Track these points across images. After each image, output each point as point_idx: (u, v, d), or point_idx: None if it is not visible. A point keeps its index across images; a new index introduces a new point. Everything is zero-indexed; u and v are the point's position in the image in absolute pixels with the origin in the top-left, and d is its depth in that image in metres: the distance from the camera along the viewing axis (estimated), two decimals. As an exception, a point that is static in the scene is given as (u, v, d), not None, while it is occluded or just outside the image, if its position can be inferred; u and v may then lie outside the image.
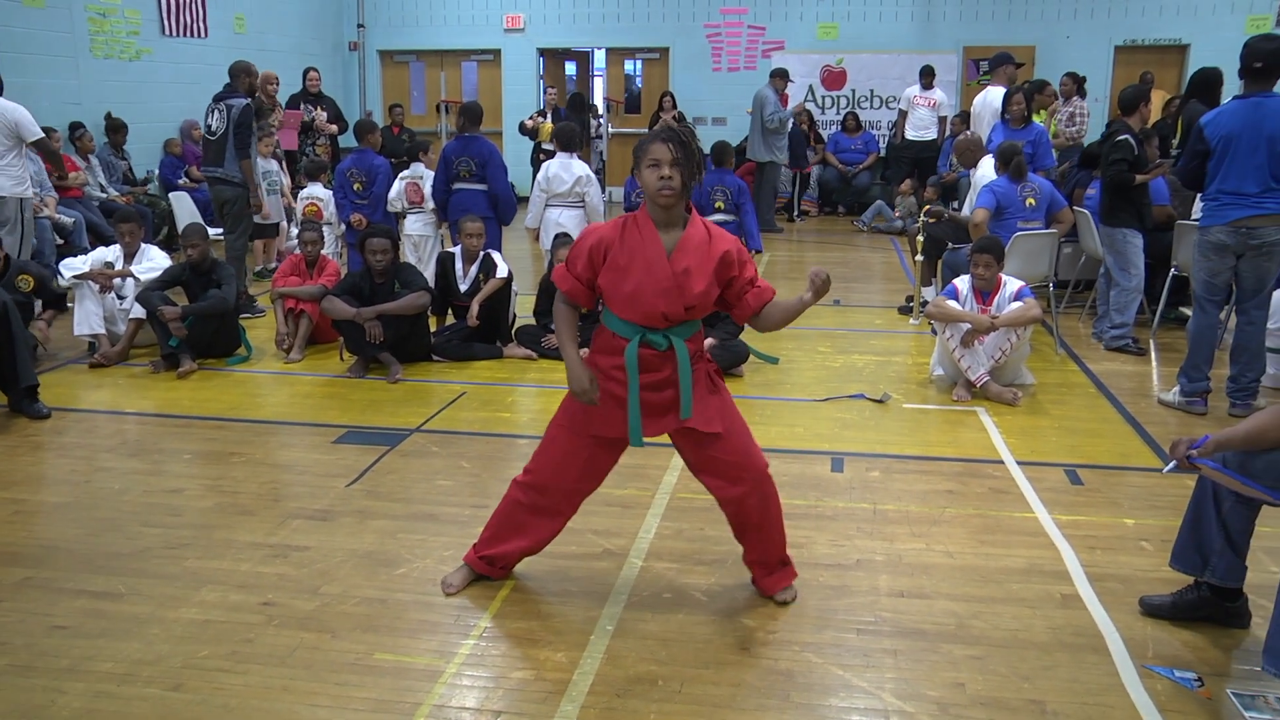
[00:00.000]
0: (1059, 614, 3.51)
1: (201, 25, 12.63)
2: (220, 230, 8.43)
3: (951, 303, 6.05)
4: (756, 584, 3.64)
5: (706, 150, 13.92)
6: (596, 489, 3.58)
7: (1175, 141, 9.31)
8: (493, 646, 3.30)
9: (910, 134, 13.36)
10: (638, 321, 3.24)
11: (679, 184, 3.08)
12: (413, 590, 3.66)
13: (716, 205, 7.93)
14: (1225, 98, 6.97)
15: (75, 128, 10.51)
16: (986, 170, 7.80)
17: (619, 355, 3.27)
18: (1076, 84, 11.16)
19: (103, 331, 6.86)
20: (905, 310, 8.31)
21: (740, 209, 8.08)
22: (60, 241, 9.25)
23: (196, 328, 6.61)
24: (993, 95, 9.25)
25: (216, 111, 8.15)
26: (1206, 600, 3.42)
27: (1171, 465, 3.25)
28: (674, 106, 14.36)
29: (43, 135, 8.03)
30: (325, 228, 8.67)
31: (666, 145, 3.07)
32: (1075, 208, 8.00)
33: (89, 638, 3.33)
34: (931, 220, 8.18)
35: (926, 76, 13.26)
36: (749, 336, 6.77)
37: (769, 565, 3.60)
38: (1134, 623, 3.46)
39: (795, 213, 14.32)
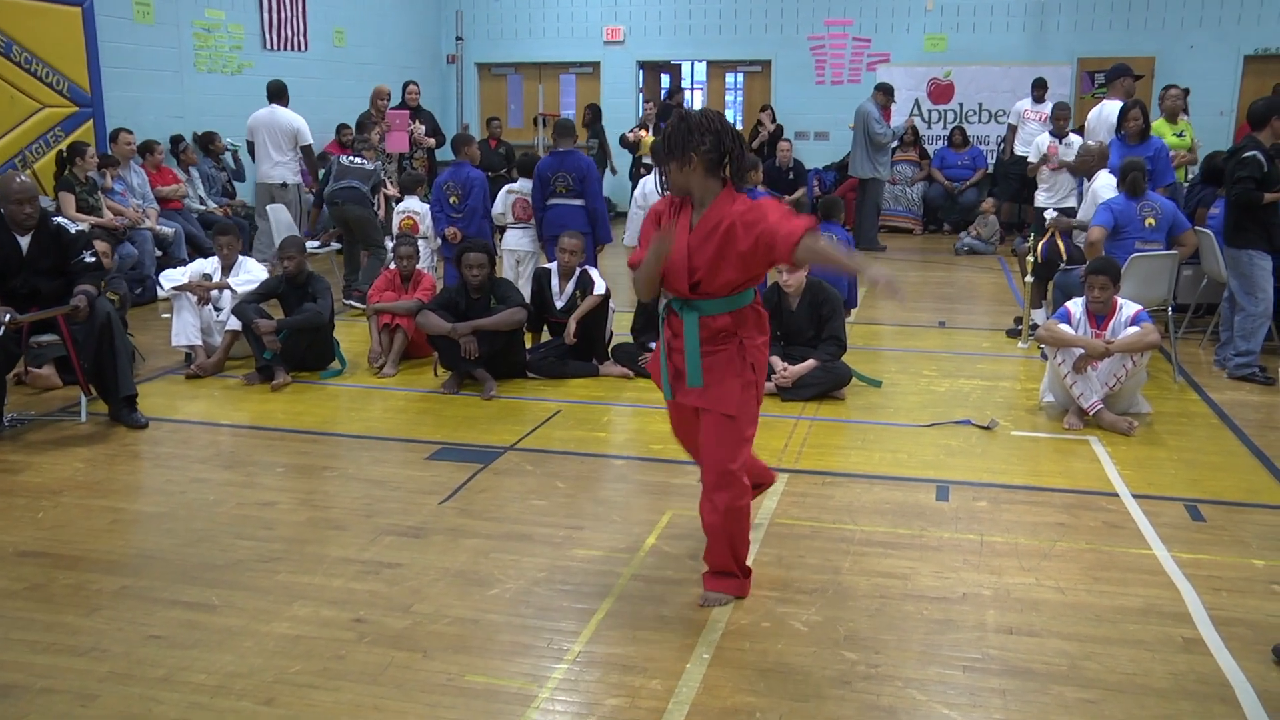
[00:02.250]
0: (1181, 659, 3.38)
1: (302, 39, 13.01)
2: (315, 243, 8.69)
3: (1064, 326, 5.90)
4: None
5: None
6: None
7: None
8: (586, 672, 3.31)
9: (1020, 149, 13.10)
10: (669, 290, 3.62)
11: (671, 178, 3.54)
12: (505, 611, 3.69)
13: None
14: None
15: (177, 141, 10.90)
16: (1104, 182, 7.59)
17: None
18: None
19: (199, 343, 7.08)
20: (1014, 333, 8.14)
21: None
22: (160, 253, 9.60)
23: (291, 341, 6.79)
24: (1108, 109, 9.03)
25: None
26: (1346, 650, 3.26)
27: None
28: (773, 120, 14.34)
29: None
30: (421, 242, 8.85)
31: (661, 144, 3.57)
32: (1197, 228, 7.76)
33: (184, 648, 3.43)
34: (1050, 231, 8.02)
35: (1038, 89, 13.00)
36: (851, 358, 6.70)
37: (713, 567, 3.77)
38: (1268, 673, 3.31)
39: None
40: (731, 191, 3.52)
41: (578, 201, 7.99)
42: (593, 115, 14.34)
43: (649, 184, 8.10)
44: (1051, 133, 9.75)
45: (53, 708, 3.11)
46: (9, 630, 3.57)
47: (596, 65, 16.23)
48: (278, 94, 10.65)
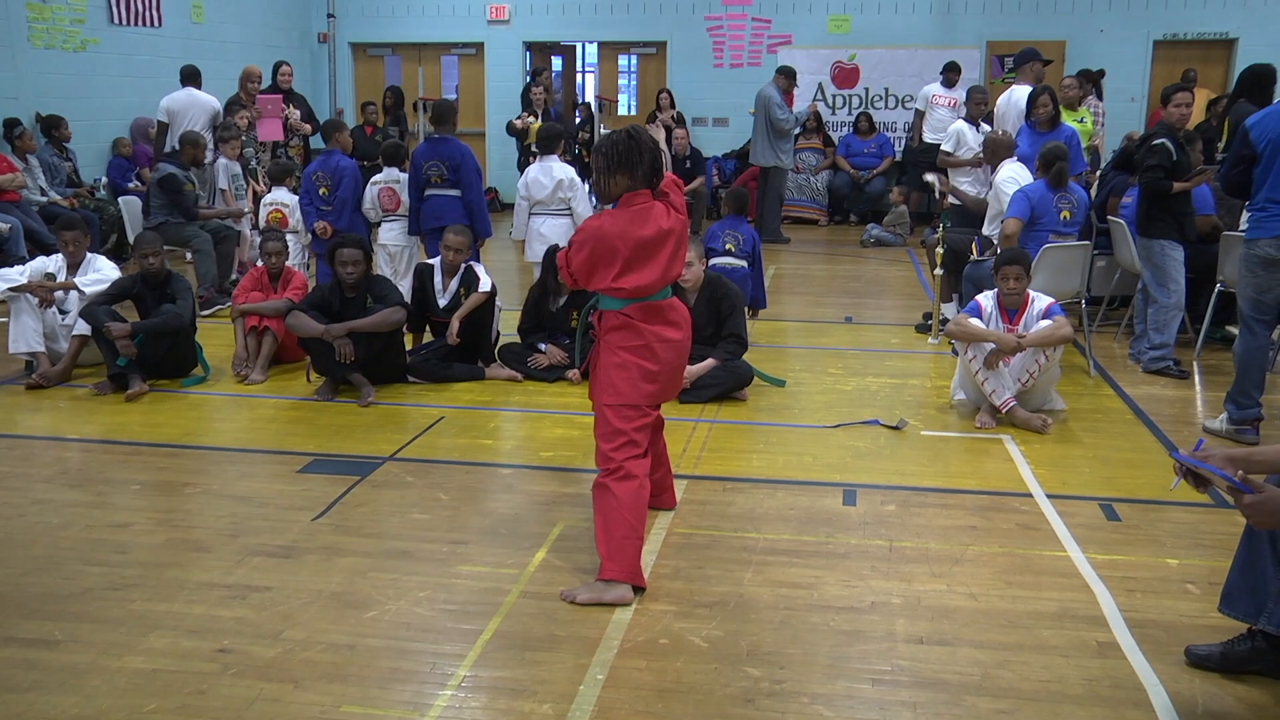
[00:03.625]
0: (1095, 664, 3.49)
1: (155, 13, 12.67)
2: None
3: (974, 320, 6.05)
4: None
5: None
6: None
7: (1221, 145, 9.36)
8: (472, 698, 3.28)
9: (929, 136, 13.37)
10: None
11: (596, 185, 3.99)
12: (384, 635, 3.63)
13: (727, 247, 7.79)
14: (1278, 97, 7.04)
15: (11, 125, 10.49)
16: (1008, 174, 7.80)
17: None
18: (1091, 83, 11.22)
19: (42, 349, 6.83)
20: (923, 329, 8.32)
21: (753, 264, 7.77)
22: (-5, 250, 9.25)
23: (147, 346, 6.59)
24: (1018, 95, 9.28)
25: None
26: (1261, 651, 3.39)
27: (1177, 481, 3.16)
28: (671, 105, 14.41)
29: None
30: (291, 237, 8.68)
31: (593, 155, 4.00)
32: (1110, 217, 8.03)
33: (18, 691, 3.28)
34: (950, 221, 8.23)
35: (949, 73, 13.27)
36: (753, 357, 6.77)
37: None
38: (1180, 675, 3.44)
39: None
40: (625, 199, 3.95)
41: (454, 192, 7.92)
42: (394, 100, 14.21)
43: (531, 172, 8.08)
44: (966, 119, 9.96)
45: None
46: None
47: (480, 46, 16.15)
48: (192, 76, 10.93)
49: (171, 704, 3.22)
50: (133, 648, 3.55)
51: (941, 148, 9.78)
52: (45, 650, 3.54)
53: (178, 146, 9.51)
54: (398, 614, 3.78)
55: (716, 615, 3.79)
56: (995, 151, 8.22)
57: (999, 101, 10.05)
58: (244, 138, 10.42)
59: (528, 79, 14.66)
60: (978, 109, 10.04)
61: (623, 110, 16.51)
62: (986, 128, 9.53)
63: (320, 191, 8.39)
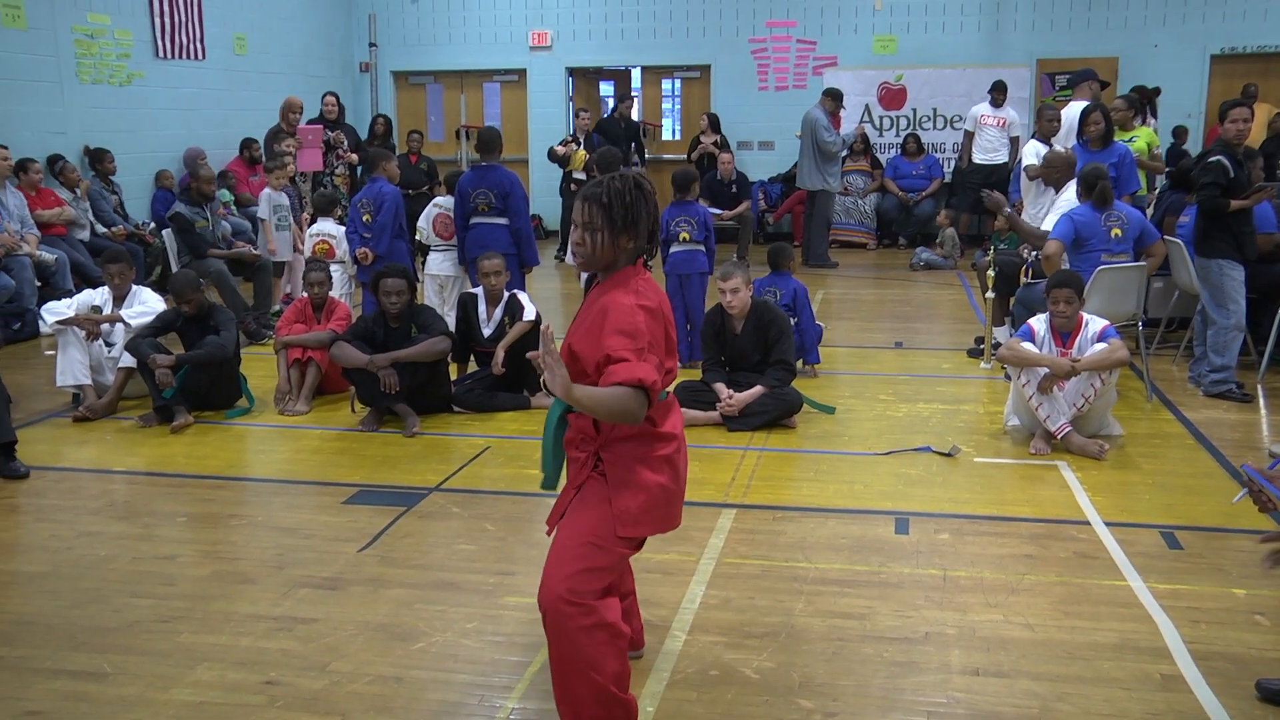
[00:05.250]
0: (1159, 698, 3.45)
1: (199, 46, 12.92)
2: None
3: (1027, 345, 6.02)
4: None
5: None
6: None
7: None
8: (519, 731, 3.30)
9: (978, 157, 13.38)
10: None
11: (588, 247, 3.09)
12: (431, 667, 3.67)
13: (681, 236, 7.91)
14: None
15: (55, 160, 10.72)
16: (1073, 195, 7.74)
17: None
18: (1144, 100, 11.08)
19: (88, 382, 6.96)
20: (975, 353, 8.28)
21: (797, 311, 7.58)
22: (41, 284, 9.43)
23: (192, 377, 6.70)
24: (1076, 112, 9.19)
25: None
26: (1334, 683, 3.34)
27: (1242, 494, 3.16)
28: (716, 130, 14.48)
29: None
30: (337, 267, 8.80)
31: (584, 205, 3.10)
32: (1167, 237, 7.96)
33: (72, 721, 3.36)
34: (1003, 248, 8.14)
35: (997, 93, 13.27)
36: (802, 384, 6.77)
37: None
38: (1252, 710, 3.39)
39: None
40: (635, 270, 3.16)
41: (501, 220, 8.01)
42: (385, 127, 14.35)
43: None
44: (1037, 137, 9.73)
45: (-77, 792, 3.03)
46: (-128, 708, 3.47)
47: (523, 73, 16.30)
48: None
49: (219, 736, 3.27)
50: (180, 680, 3.60)
51: (1025, 165, 9.50)
52: (94, 683, 3.60)
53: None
54: (444, 646, 3.82)
55: (768, 646, 3.79)
56: (1056, 171, 8.11)
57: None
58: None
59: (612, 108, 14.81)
60: (1049, 126, 9.80)
61: (666, 135, 16.59)
62: (1058, 147, 9.36)
63: (364, 219, 8.50)
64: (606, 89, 16.98)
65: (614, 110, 14.67)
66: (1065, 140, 9.01)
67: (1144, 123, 10.86)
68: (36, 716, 3.41)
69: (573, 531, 3.09)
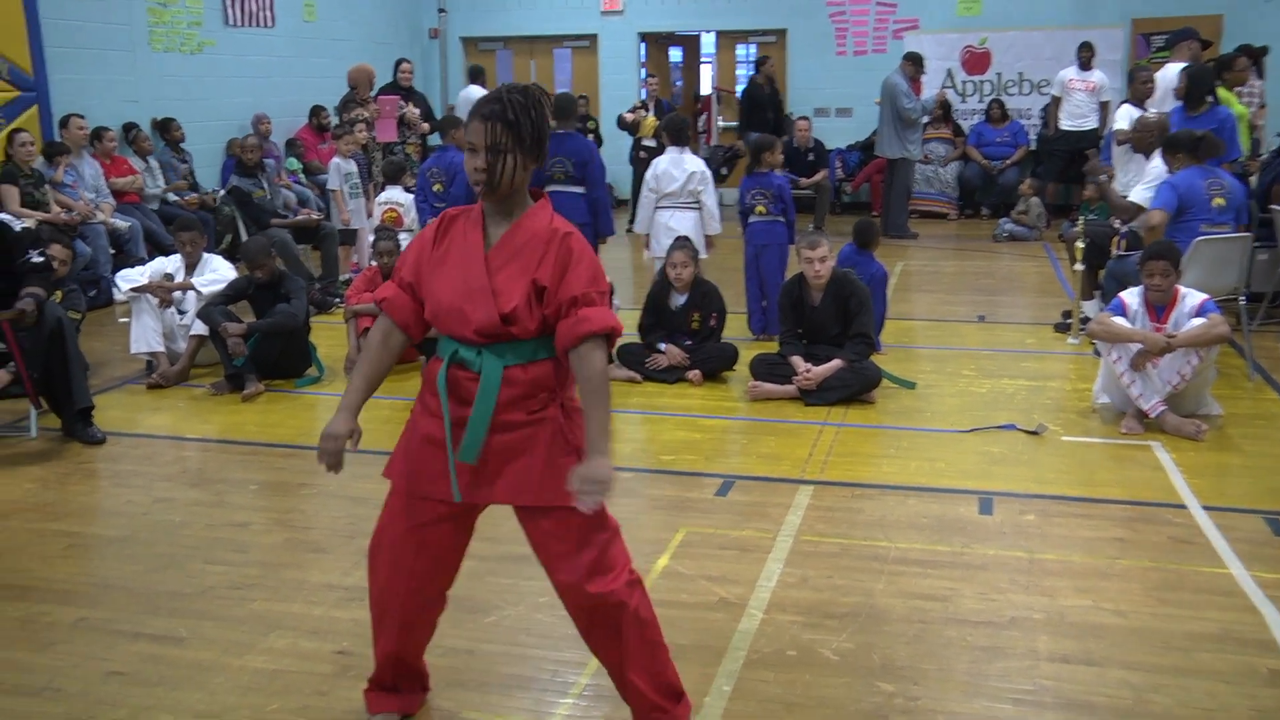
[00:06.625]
0: (1267, 693, 3.34)
1: (268, 13, 13.04)
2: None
3: (1119, 319, 5.88)
4: None
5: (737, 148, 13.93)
6: (449, 584, 3.18)
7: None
8: (594, 707, 3.31)
9: (1065, 123, 13.08)
10: (451, 335, 2.88)
11: (494, 173, 2.78)
12: (503, 640, 3.69)
13: (757, 209, 7.96)
14: None
15: (129, 128, 10.92)
16: (1161, 163, 7.53)
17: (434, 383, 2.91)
18: (1252, 60, 10.75)
19: (161, 349, 7.09)
20: (1062, 328, 8.12)
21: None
22: (115, 251, 9.62)
23: (262, 346, 6.80)
24: (1172, 73, 8.91)
25: None
26: None
27: None
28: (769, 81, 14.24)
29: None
30: (405, 235, 8.86)
31: (484, 125, 2.77)
32: (1273, 206, 7.72)
33: (148, 685, 3.43)
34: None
35: (1085, 54, 12.94)
36: (881, 358, 6.69)
37: (642, 715, 3.06)
38: (1361, 705, 3.29)
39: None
40: (543, 196, 3.00)
41: (577, 189, 7.99)
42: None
43: (661, 164, 8.11)
44: (1130, 101, 9.44)
45: (4, 753, 3.12)
46: (-46, 668, 3.57)
47: (594, 38, 16.26)
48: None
49: (293, 704, 3.32)
50: (254, 647, 3.66)
51: (1117, 128, 9.24)
52: (172, 646, 3.68)
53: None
54: (517, 619, 3.83)
55: (847, 627, 3.76)
56: (1149, 135, 7.87)
57: (1157, 77, 9.62)
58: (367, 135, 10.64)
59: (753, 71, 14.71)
60: (1144, 89, 9.50)
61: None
62: (1152, 112, 9.10)
63: (435, 188, 8.54)
64: (675, 55, 16.88)
65: (757, 72, 14.44)
66: (1161, 104, 8.76)
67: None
68: (120, 677, 3.49)
69: (562, 514, 2.90)
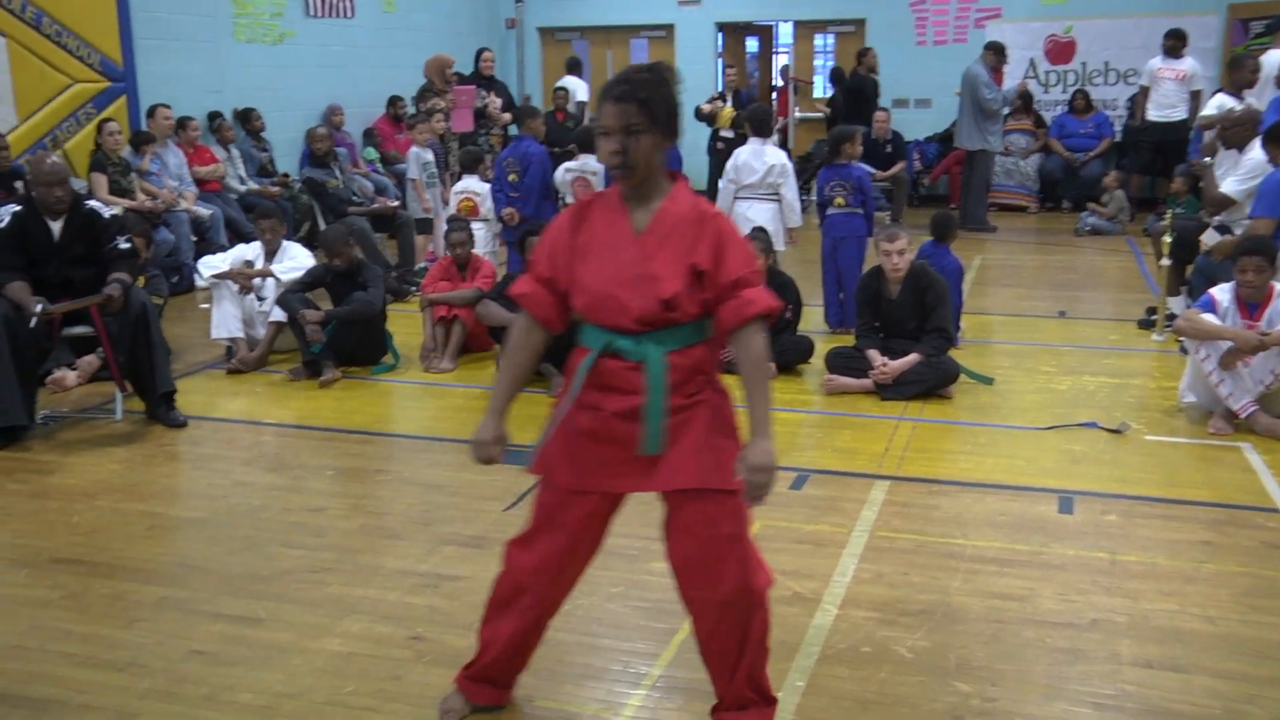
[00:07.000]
0: (1363, 705, 3.26)
1: (348, 4, 13.19)
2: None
3: (1208, 316, 5.75)
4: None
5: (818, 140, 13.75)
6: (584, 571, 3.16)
7: None
8: (666, 699, 3.31)
9: (1153, 114, 12.74)
10: (604, 324, 2.83)
11: (632, 155, 2.72)
12: (576, 630, 3.70)
13: (836, 201, 7.92)
14: None
15: (213, 117, 11.12)
16: (1259, 155, 7.33)
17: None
18: None
19: (241, 335, 7.22)
20: (1147, 324, 7.96)
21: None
22: (197, 238, 9.81)
23: (340, 333, 6.89)
24: (1275, 60, 8.58)
25: None
26: None
27: None
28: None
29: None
30: (481, 225, 8.92)
31: (616, 107, 2.72)
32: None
33: (228, 665, 3.50)
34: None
35: (1173, 42, 12.58)
36: (959, 353, 6.61)
37: (732, 703, 3.06)
38: None
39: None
40: (679, 176, 2.92)
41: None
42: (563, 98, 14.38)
43: (742, 155, 8.09)
44: (1226, 90, 9.07)
45: (89, 728, 3.19)
46: (45, 641, 3.68)
47: (670, 28, 16.22)
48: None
49: (369, 687, 3.36)
50: (330, 630, 3.72)
51: (1200, 115, 8.91)
52: (251, 627, 3.75)
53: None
54: (589, 610, 3.84)
55: (923, 625, 3.72)
56: (1242, 130, 7.62)
57: (1261, 61, 9.31)
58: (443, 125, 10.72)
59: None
60: (1250, 77, 9.09)
61: (819, 93, 16.32)
62: (1252, 100, 8.76)
63: (510, 178, 8.58)
64: (752, 45, 16.78)
65: (859, 63, 14.29)
66: (1261, 92, 8.44)
67: None
68: (201, 656, 3.57)
69: (722, 499, 2.82)
